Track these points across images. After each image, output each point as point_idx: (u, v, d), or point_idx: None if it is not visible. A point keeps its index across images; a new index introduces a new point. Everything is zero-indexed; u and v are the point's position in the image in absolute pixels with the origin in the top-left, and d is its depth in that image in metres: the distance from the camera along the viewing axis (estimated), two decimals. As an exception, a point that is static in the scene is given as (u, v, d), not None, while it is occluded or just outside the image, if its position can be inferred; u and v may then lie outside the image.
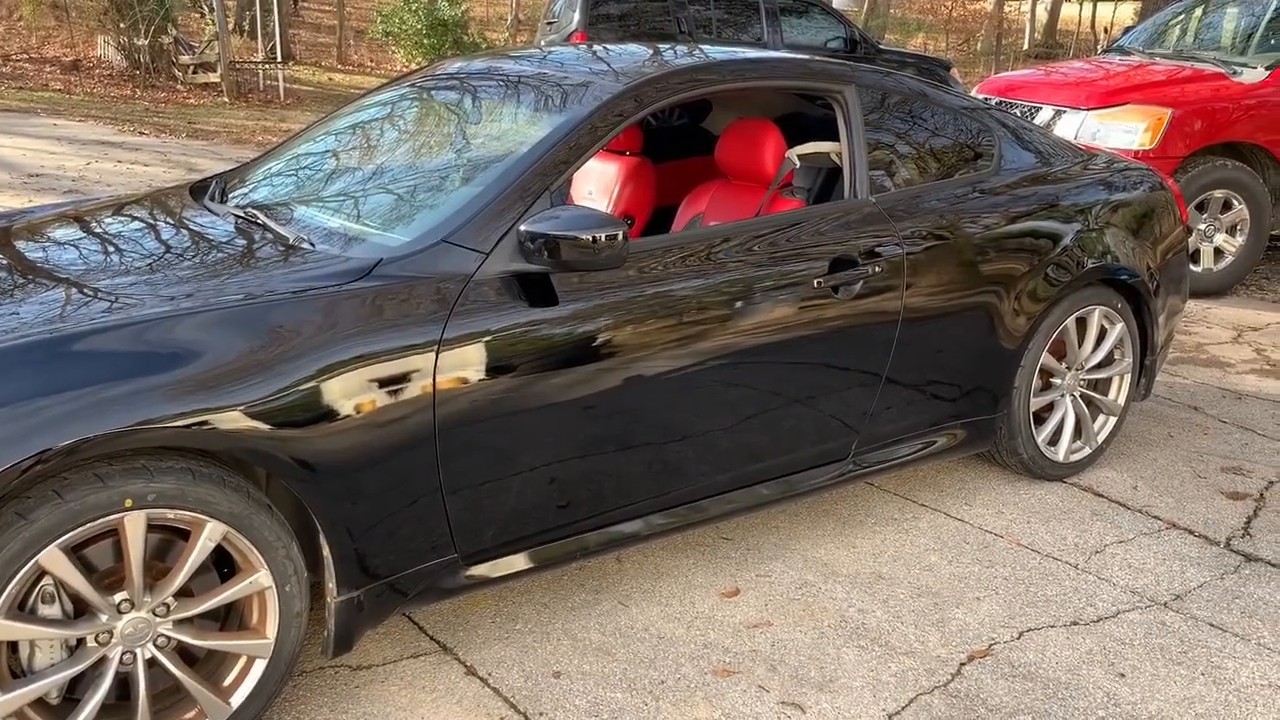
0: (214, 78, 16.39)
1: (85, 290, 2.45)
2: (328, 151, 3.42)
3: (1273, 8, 7.41)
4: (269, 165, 3.43)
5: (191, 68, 16.81)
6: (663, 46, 3.51)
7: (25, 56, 18.20)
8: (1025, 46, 27.73)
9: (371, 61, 22.68)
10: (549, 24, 11.80)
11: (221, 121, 13.78)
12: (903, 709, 2.63)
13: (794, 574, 3.21)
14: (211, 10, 16.86)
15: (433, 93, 3.54)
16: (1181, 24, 8.07)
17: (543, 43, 11.89)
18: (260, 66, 17.51)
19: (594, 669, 2.74)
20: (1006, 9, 28.62)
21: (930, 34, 30.26)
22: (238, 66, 16.82)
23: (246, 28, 20.00)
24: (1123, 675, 2.79)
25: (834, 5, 14.40)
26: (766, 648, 2.85)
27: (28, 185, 8.58)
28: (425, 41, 22.07)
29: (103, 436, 2.05)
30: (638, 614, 2.98)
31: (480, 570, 2.69)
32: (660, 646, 2.84)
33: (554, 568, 2.83)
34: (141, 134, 12.08)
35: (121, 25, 16.57)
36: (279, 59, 17.26)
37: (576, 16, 10.78)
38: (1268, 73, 6.70)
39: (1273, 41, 7.20)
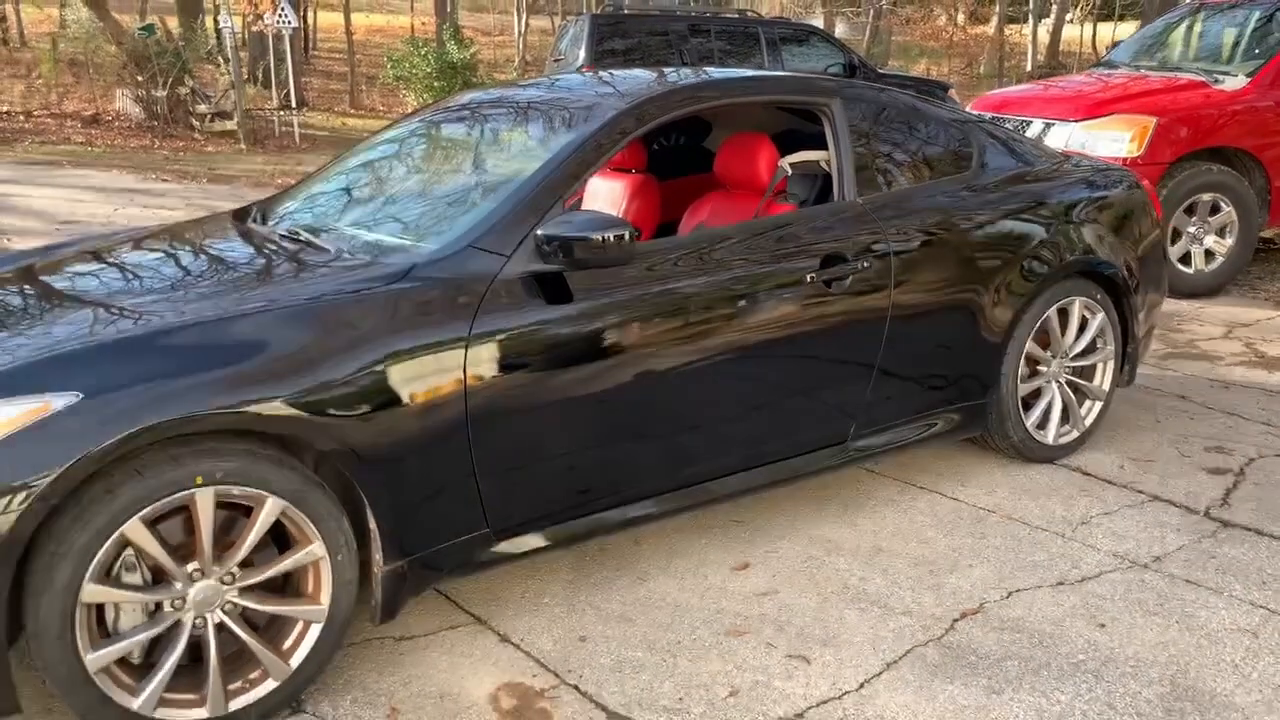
0: (231, 125, 16.84)
1: (160, 296, 2.76)
2: (358, 176, 3.73)
3: (1254, 20, 7.71)
4: (304, 191, 3.73)
5: (209, 116, 17.26)
6: (679, 71, 3.81)
7: (46, 112, 18.69)
8: (1028, 68, 28.09)
9: (383, 105, 23.17)
10: (555, 61, 12.19)
11: (240, 167, 14.17)
12: (899, 659, 2.87)
13: (800, 549, 3.46)
14: (228, 61, 17.35)
15: (451, 120, 3.85)
16: (1165, 38, 8.36)
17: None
18: (275, 113, 17.98)
19: (616, 634, 2.99)
20: (1008, 32, 28.98)
21: (933, 59, 30.67)
22: (253, 114, 17.28)
23: (260, 76, 20.49)
24: (1103, 626, 3.03)
25: (836, 33, 14.76)
26: (774, 612, 3.10)
27: (60, 231, 8.92)
28: (435, 85, 22.54)
29: (180, 420, 2.34)
30: (655, 587, 3.24)
31: (509, 545, 2.95)
32: (677, 613, 3.09)
33: (575, 544, 3.10)
34: (164, 180, 12.46)
35: (139, 78, 17.06)
36: (293, 105, 17.71)
37: (582, 53, 11.16)
38: (1248, 80, 6.98)
39: (1255, 51, 7.48)
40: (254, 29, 17.37)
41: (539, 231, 2.88)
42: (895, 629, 3.02)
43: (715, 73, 3.78)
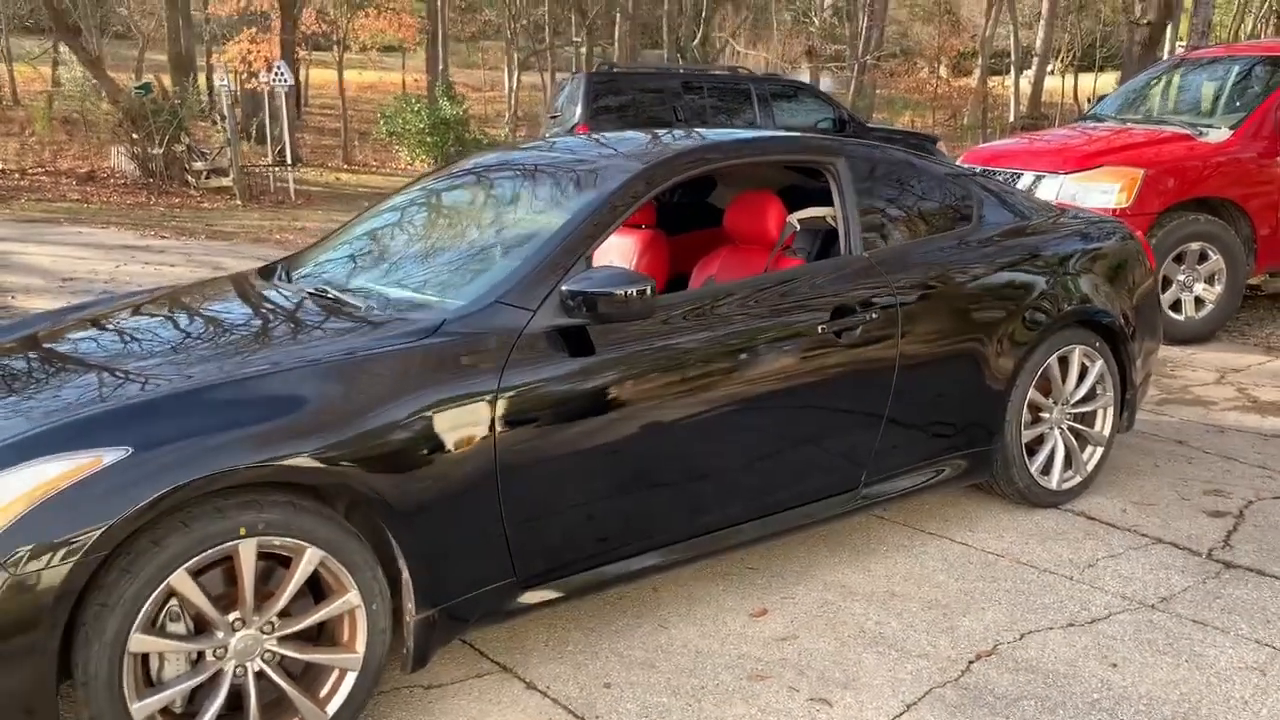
0: (227, 182, 17.02)
1: (198, 354, 2.86)
2: (378, 234, 3.84)
3: (1234, 74, 7.93)
4: (327, 249, 3.84)
5: (205, 173, 17.44)
6: (674, 132, 3.95)
7: (42, 170, 18.84)
8: (1011, 119, 28.53)
9: (376, 161, 23.44)
10: (553, 118, 12.40)
11: (237, 223, 14.31)
12: (919, 700, 2.95)
13: (815, 595, 3.54)
14: (224, 119, 17.55)
15: (468, 180, 3.97)
16: (1149, 91, 8.58)
17: (548, 135, 12.48)
18: (270, 169, 18.18)
19: (641, 679, 3.06)
20: (991, 83, 29.47)
21: (917, 111, 31.15)
22: (248, 170, 17.46)
23: (253, 133, 20.74)
24: (1115, 665, 3.11)
25: (821, 88, 15.06)
26: (794, 656, 3.17)
27: (63, 289, 9.00)
28: (428, 140, 22.83)
29: (224, 473, 2.42)
30: (676, 634, 3.31)
31: (535, 594, 3.02)
32: (699, 659, 3.16)
33: (599, 591, 3.17)
34: (163, 237, 12.57)
35: (135, 136, 17.24)
36: (288, 162, 17.90)
37: (579, 110, 11.36)
38: (1231, 132, 7.17)
39: (1236, 104, 7.69)
40: (248, 87, 17.61)
41: (564, 287, 2.98)
42: (913, 671, 3.09)
43: (725, 134, 3.92)
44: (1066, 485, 4.24)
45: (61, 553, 2.28)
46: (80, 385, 2.72)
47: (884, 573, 3.70)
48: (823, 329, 3.42)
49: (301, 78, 27.87)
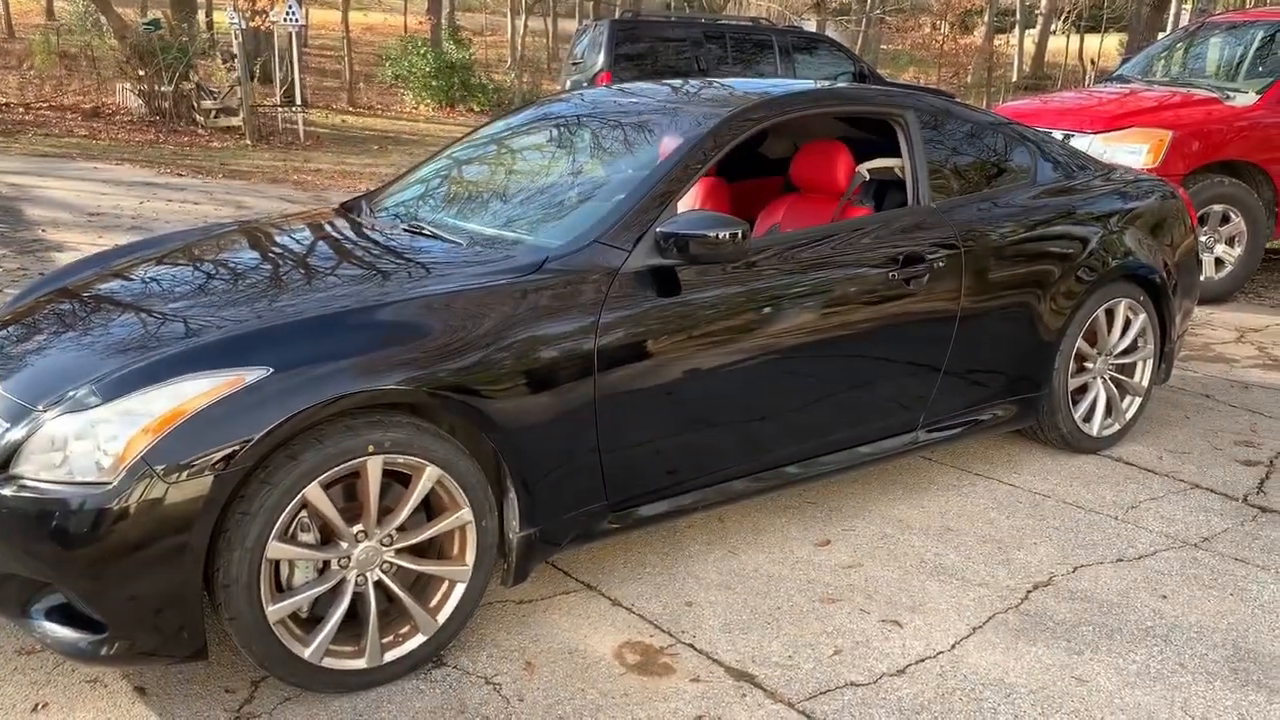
0: (235, 121, 16.98)
1: (327, 281, 3.03)
2: (459, 176, 3.97)
3: (1258, 39, 8.05)
4: (408, 188, 3.97)
5: (213, 112, 17.39)
6: (750, 81, 4.08)
7: (45, 105, 18.72)
8: (1014, 78, 28.55)
9: (380, 104, 23.33)
10: (574, 64, 12.42)
11: (250, 163, 14.33)
12: (984, 624, 3.14)
13: (874, 528, 3.73)
14: (234, 58, 17.47)
15: (544, 124, 4.09)
16: (1174, 54, 8.69)
17: (568, 83, 12.52)
18: (278, 110, 18.13)
19: (719, 599, 3.24)
20: (995, 42, 29.44)
21: (921, 68, 31.10)
22: (256, 111, 17.42)
23: (257, 74, 20.63)
24: (1165, 597, 3.31)
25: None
26: (861, 582, 3.36)
27: (92, 223, 9.08)
28: (433, 83, 22.76)
29: (361, 394, 2.58)
30: (746, 560, 3.49)
31: (623, 517, 3.19)
32: (771, 583, 3.35)
33: (682, 516, 3.34)
34: (179, 175, 12.60)
35: (142, 73, 17.16)
36: (296, 103, 17.85)
37: (601, 58, 11.39)
38: (1258, 97, 7.31)
39: (1260, 69, 7.82)
40: (252, 26, 17.49)
41: (658, 229, 3.13)
42: (975, 598, 3.28)
43: (799, 84, 4.05)
44: (1107, 432, 4.43)
45: (207, 464, 2.43)
46: (214, 309, 2.86)
47: (938, 509, 3.88)
48: (894, 275, 3.57)
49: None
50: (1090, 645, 3.04)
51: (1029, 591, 3.33)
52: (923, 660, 2.95)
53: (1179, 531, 3.76)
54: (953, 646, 3.02)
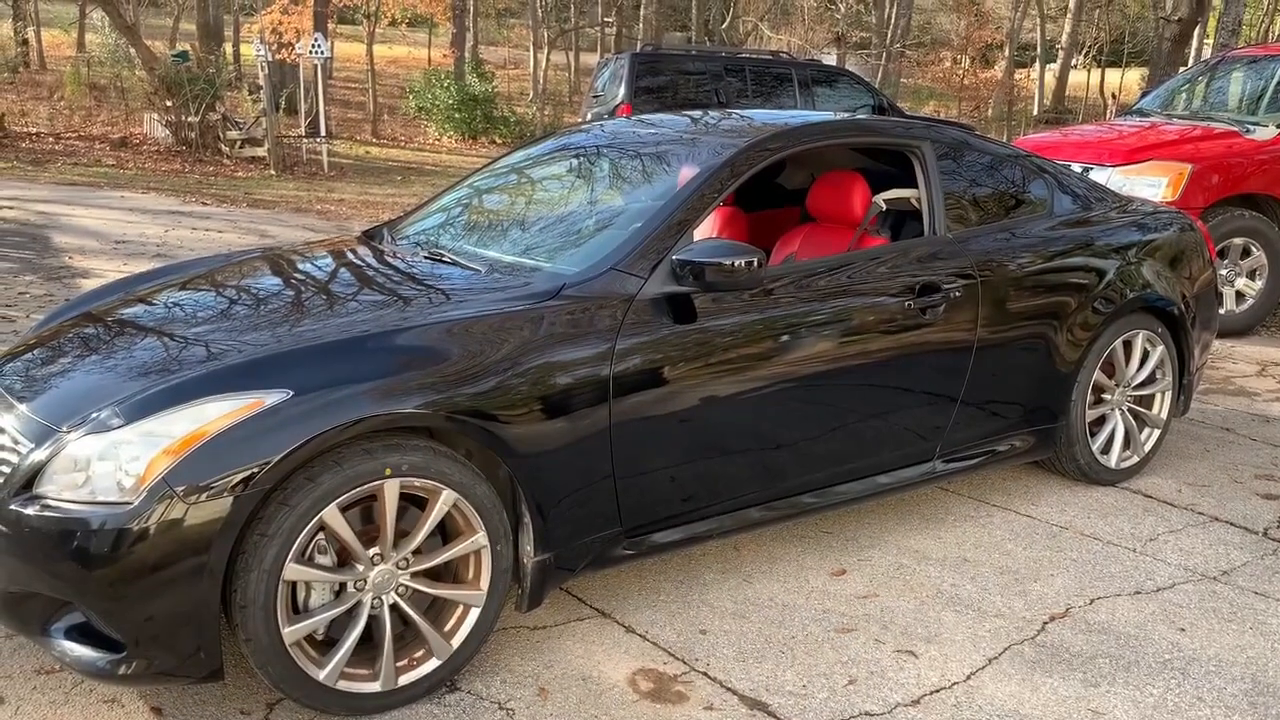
0: (260, 152, 17.17)
1: (347, 307, 3.06)
2: (479, 205, 4.01)
3: (1278, 73, 8.05)
4: (429, 217, 4.01)
5: (239, 142, 17.60)
6: (766, 113, 4.11)
7: (74, 135, 18.99)
8: (1035, 112, 28.59)
9: (404, 136, 23.54)
10: (595, 97, 12.52)
11: (275, 193, 14.47)
12: (999, 655, 3.13)
13: (890, 558, 3.72)
14: (260, 89, 17.70)
15: (562, 154, 4.14)
16: (1193, 88, 8.70)
17: (589, 115, 12.62)
18: (302, 141, 18.33)
19: (733, 628, 3.24)
20: (1016, 76, 29.51)
21: (941, 101, 31.18)
22: (281, 141, 17.62)
23: (282, 105, 20.87)
24: (1183, 630, 3.29)
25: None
26: (876, 612, 3.35)
27: (118, 250, 9.19)
28: (456, 116, 22.96)
29: (378, 417, 2.61)
30: (761, 588, 3.49)
31: (637, 543, 3.20)
32: (786, 612, 3.34)
33: (694, 544, 3.35)
34: (204, 204, 12.73)
35: (170, 104, 17.40)
36: (320, 134, 18.05)
37: (622, 91, 11.48)
38: (1278, 130, 7.30)
39: (1280, 102, 7.82)
40: (278, 58, 17.73)
41: (674, 256, 3.15)
42: (991, 629, 3.27)
43: (816, 115, 4.08)
44: (1125, 464, 4.41)
45: (228, 485, 2.46)
46: (236, 333, 2.90)
47: (954, 540, 3.87)
48: (910, 304, 3.59)
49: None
50: (1107, 678, 3.02)
51: (1045, 623, 3.31)
52: (938, 691, 2.94)
53: (1198, 564, 3.74)
54: (968, 677, 3.01)
